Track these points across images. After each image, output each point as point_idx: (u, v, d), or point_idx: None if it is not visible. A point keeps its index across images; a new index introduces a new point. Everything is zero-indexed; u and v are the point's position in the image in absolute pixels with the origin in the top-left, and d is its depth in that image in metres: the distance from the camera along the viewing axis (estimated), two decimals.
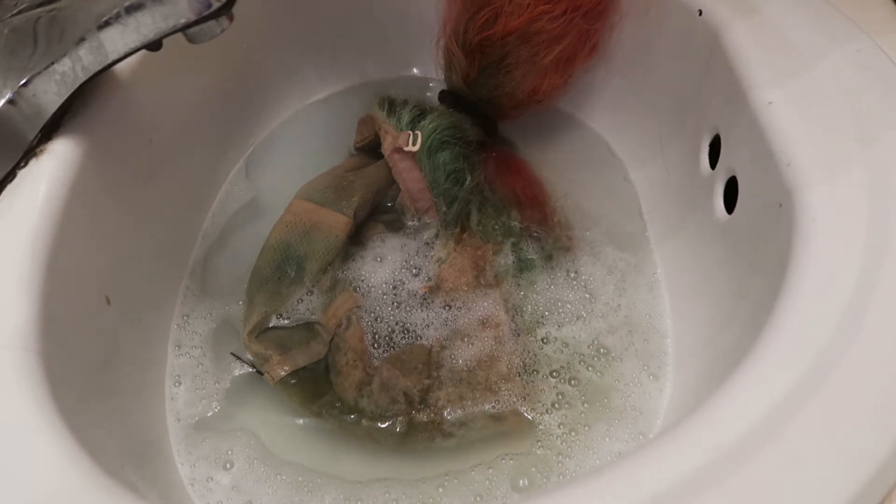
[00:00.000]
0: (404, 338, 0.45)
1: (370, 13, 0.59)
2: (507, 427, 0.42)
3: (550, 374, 0.44)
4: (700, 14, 0.44)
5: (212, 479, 0.40)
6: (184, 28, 0.33)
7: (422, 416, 0.42)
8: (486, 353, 0.44)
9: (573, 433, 0.41)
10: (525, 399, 0.43)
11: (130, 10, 0.32)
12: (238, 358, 0.45)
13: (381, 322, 0.45)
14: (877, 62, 0.38)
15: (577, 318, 0.46)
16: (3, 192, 0.34)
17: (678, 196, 0.49)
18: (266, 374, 0.43)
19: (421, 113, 0.50)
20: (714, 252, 0.43)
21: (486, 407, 0.42)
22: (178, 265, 0.49)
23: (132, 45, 0.34)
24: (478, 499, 0.39)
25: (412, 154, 0.48)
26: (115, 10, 0.33)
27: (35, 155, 0.35)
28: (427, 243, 0.50)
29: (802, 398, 0.27)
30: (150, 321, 0.44)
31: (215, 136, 0.54)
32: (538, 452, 0.41)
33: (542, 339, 0.45)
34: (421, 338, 0.45)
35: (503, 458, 0.40)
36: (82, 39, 0.33)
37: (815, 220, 0.31)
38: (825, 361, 0.27)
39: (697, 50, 0.45)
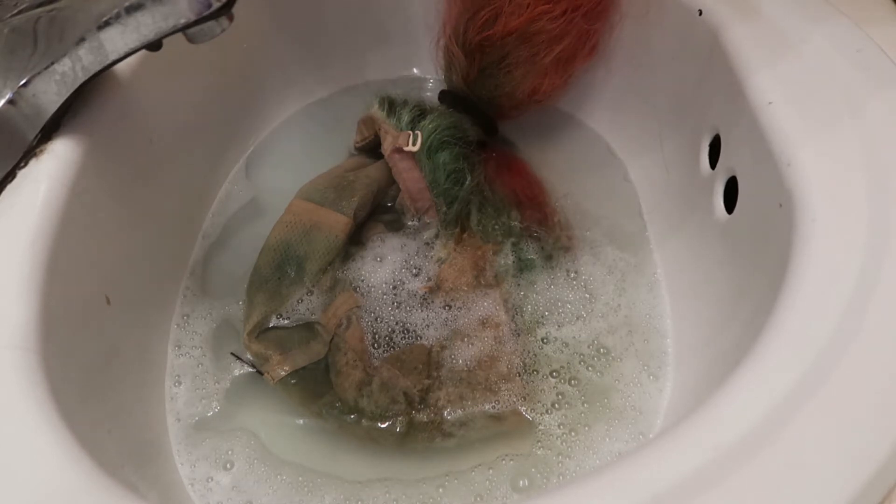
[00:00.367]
0: (404, 338, 0.45)
1: (370, 13, 0.59)
2: (507, 427, 0.42)
3: (550, 374, 0.44)
4: (700, 14, 0.44)
5: (212, 479, 0.40)
6: (184, 28, 0.33)
7: (422, 416, 0.42)
8: (486, 353, 0.44)
9: (573, 433, 0.41)
10: (525, 399, 0.42)
11: (130, 10, 0.32)
12: (238, 358, 0.45)
13: (381, 322, 0.45)
14: (877, 62, 0.38)
15: (577, 318, 0.46)
16: (3, 192, 0.34)
17: (678, 196, 0.49)
18: (266, 374, 0.43)
19: (421, 113, 0.50)
20: (714, 252, 0.43)
21: (486, 407, 0.42)
22: (178, 265, 0.49)
23: (132, 45, 0.34)
24: (478, 499, 0.39)
25: (412, 154, 0.48)
26: (115, 10, 0.33)
27: (35, 155, 0.35)
28: (427, 243, 0.50)
29: (802, 398, 0.27)
30: (150, 321, 0.44)
31: (215, 136, 0.54)
32: (538, 453, 0.41)
33: (542, 339, 0.45)
34: (421, 338, 0.45)
35: (503, 459, 0.40)
36: (82, 39, 0.33)
37: (815, 220, 0.31)
38: (825, 361, 0.27)
39: (697, 50, 0.45)
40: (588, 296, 0.47)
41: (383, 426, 0.42)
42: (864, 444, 0.26)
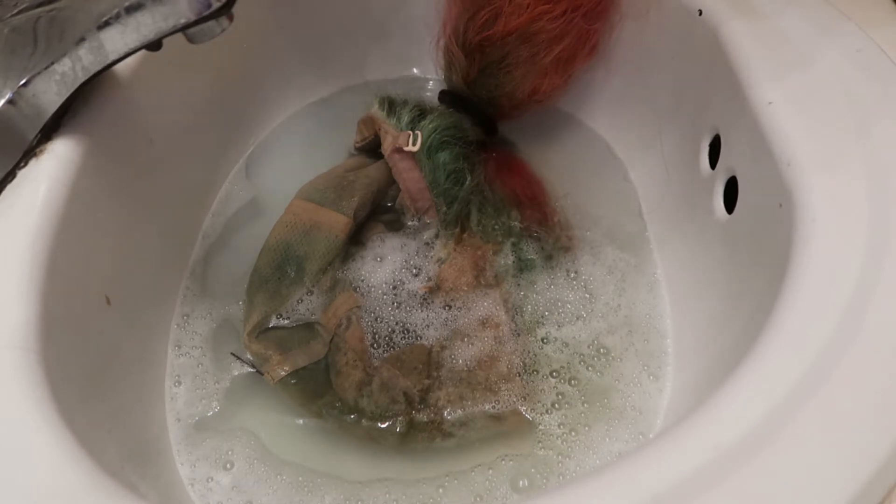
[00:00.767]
0: (404, 338, 0.45)
1: (370, 13, 0.59)
2: (507, 427, 0.42)
3: (550, 374, 0.44)
4: (700, 14, 0.44)
5: (212, 479, 0.40)
6: (184, 28, 0.33)
7: (422, 416, 0.42)
8: (486, 353, 0.44)
9: (573, 433, 0.41)
10: (525, 399, 0.42)
11: (130, 10, 0.32)
12: (238, 358, 0.45)
13: (381, 322, 0.45)
14: (877, 62, 0.38)
15: (577, 318, 0.46)
16: (3, 192, 0.34)
17: (678, 196, 0.49)
18: (266, 374, 0.43)
19: (421, 113, 0.50)
20: (714, 252, 0.43)
21: (486, 407, 0.42)
22: (178, 265, 0.49)
23: (132, 45, 0.34)
24: (478, 499, 0.39)
25: (412, 154, 0.48)
26: (115, 10, 0.33)
27: (35, 155, 0.35)
28: (427, 243, 0.50)
29: (802, 398, 0.27)
30: (150, 321, 0.44)
31: (215, 135, 0.54)
32: (538, 453, 0.41)
33: (542, 339, 0.45)
34: (421, 338, 0.45)
35: (503, 459, 0.40)
36: (82, 39, 0.33)
37: (815, 220, 0.31)
38: (825, 361, 0.27)
39: (697, 50, 0.45)
40: (588, 296, 0.47)
41: (383, 426, 0.42)
42: (864, 444, 0.26)
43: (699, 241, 0.45)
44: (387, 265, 0.48)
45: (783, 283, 0.30)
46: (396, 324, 0.45)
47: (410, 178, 0.49)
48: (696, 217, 0.46)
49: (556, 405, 0.42)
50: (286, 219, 0.48)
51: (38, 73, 0.34)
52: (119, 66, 0.36)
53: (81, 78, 0.35)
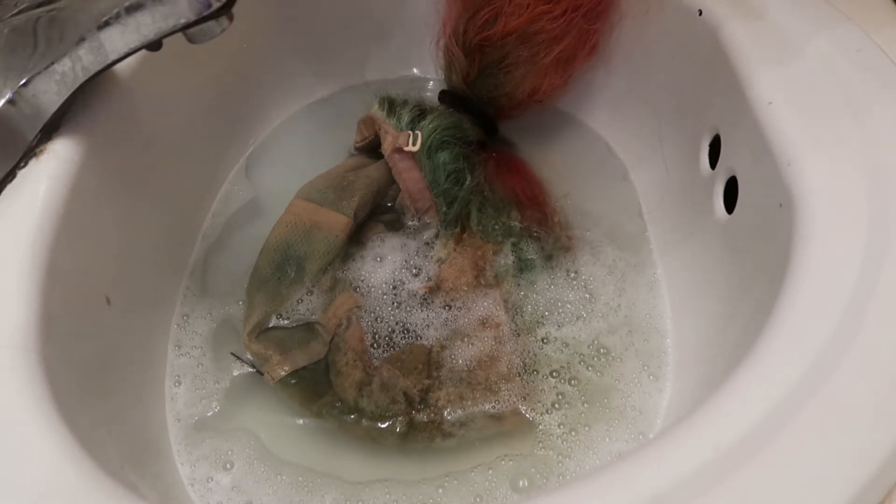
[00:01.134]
0: (404, 338, 0.45)
1: (370, 13, 0.59)
2: (507, 427, 0.42)
3: (550, 374, 0.44)
4: (700, 14, 0.44)
5: (212, 480, 0.40)
6: (184, 28, 0.33)
7: (422, 416, 0.42)
8: (486, 353, 0.44)
9: (573, 433, 0.41)
10: (525, 399, 0.42)
11: (130, 10, 0.32)
12: (238, 358, 0.45)
13: (381, 322, 0.45)
14: (877, 62, 0.38)
15: (577, 318, 0.46)
16: (3, 192, 0.34)
17: (678, 196, 0.49)
18: (266, 374, 0.43)
19: (421, 113, 0.50)
20: (714, 252, 0.43)
21: (486, 407, 0.42)
22: (178, 265, 0.49)
23: (132, 45, 0.34)
24: (478, 499, 0.39)
25: (412, 154, 0.48)
26: (115, 10, 0.33)
27: (35, 155, 0.35)
28: (427, 243, 0.50)
29: (802, 398, 0.27)
30: (150, 321, 0.44)
31: (215, 136, 0.54)
32: (538, 453, 0.41)
33: (542, 339, 0.45)
34: (421, 338, 0.45)
35: (503, 459, 0.40)
36: (82, 39, 0.33)
37: (815, 220, 0.31)
38: (825, 361, 0.27)
39: (697, 50, 0.45)
40: (588, 296, 0.47)
41: (383, 426, 0.42)
42: (864, 444, 0.26)
43: (699, 241, 0.45)
44: (387, 265, 0.48)
45: (783, 283, 0.30)
46: (396, 324, 0.45)
47: (410, 178, 0.49)
48: (696, 217, 0.46)
49: (556, 405, 0.42)
50: (286, 219, 0.48)
51: (38, 73, 0.34)
52: (119, 66, 0.36)
53: (81, 78, 0.35)
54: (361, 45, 0.61)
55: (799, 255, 0.31)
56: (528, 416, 0.42)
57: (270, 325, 0.45)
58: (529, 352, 0.45)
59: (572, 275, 0.48)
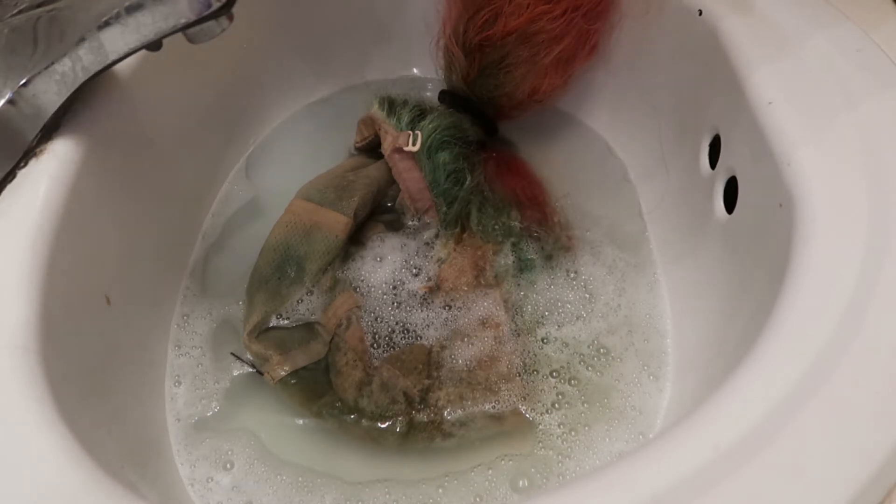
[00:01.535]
0: (404, 338, 0.45)
1: (370, 13, 0.59)
2: (507, 427, 0.42)
3: (550, 374, 0.44)
4: (700, 14, 0.44)
5: (212, 480, 0.40)
6: (184, 28, 0.33)
7: (422, 416, 0.42)
8: (486, 353, 0.44)
9: (573, 433, 0.41)
10: (525, 399, 0.43)
11: (130, 10, 0.32)
12: (238, 358, 0.45)
13: (381, 322, 0.45)
14: (877, 62, 0.38)
15: (577, 318, 0.46)
16: (3, 192, 0.34)
17: (678, 196, 0.49)
18: (266, 374, 0.43)
19: (421, 113, 0.50)
20: (714, 252, 0.43)
21: (486, 407, 0.42)
22: (178, 265, 0.49)
23: (132, 45, 0.34)
24: (478, 499, 0.39)
25: (412, 154, 0.48)
26: (115, 10, 0.33)
27: (35, 155, 0.35)
28: (427, 243, 0.50)
29: (802, 398, 0.27)
30: (150, 321, 0.44)
31: (215, 135, 0.54)
32: (538, 452, 0.41)
33: (542, 339, 0.45)
34: (421, 338, 0.45)
35: (503, 459, 0.40)
36: (82, 39, 0.33)
37: (815, 219, 0.31)
38: (825, 361, 0.27)
39: (697, 50, 0.45)
40: (588, 296, 0.47)
41: (383, 426, 0.42)
42: (864, 444, 0.26)
43: (699, 240, 0.45)
44: (387, 265, 0.48)
45: (783, 283, 0.30)
46: (396, 324, 0.45)
47: (410, 178, 0.49)
48: (696, 217, 0.46)
49: (556, 405, 0.42)
50: (286, 219, 0.48)
51: (38, 73, 0.34)
52: (119, 66, 0.36)
53: (81, 78, 0.35)
54: (361, 45, 0.61)
55: (799, 255, 0.31)
56: (528, 416, 0.42)
57: (270, 325, 0.45)
58: (529, 352, 0.45)
59: (572, 275, 0.48)
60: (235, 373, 0.45)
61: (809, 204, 0.32)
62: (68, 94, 0.35)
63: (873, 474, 0.25)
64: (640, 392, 0.43)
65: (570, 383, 0.43)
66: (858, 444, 0.26)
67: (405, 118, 0.49)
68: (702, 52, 0.44)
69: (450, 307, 0.46)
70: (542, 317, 0.46)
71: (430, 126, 0.48)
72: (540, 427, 0.42)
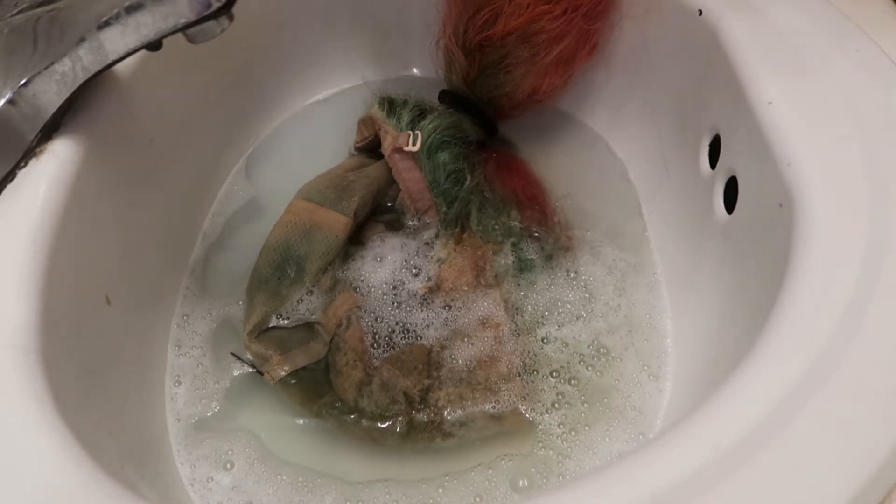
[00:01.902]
0: (404, 338, 0.45)
1: (370, 13, 0.59)
2: (507, 427, 0.42)
3: (550, 374, 0.44)
4: (700, 14, 0.44)
5: (212, 480, 0.40)
6: (184, 28, 0.33)
7: (422, 416, 0.42)
8: (486, 353, 0.44)
9: (573, 433, 0.41)
10: (525, 399, 0.43)
11: (130, 10, 0.32)
12: (238, 358, 0.45)
13: (381, 322, 0.45)
14: (877, 62, 0.38)
15: (577, 318, 0.46)
16: (3, 192, 0.34)
17: (678, 196, 0.49)
18: (266, 374, 0.43)
19: (421, 113, 0.50)
20: (714, 252, 0.43)
21: (486, 407, 0.42)
22: (178, 265, 0.49)
23: (132, 45, 0.34)
24: (478, 499, 0.39)
25: (412, 154, 0.48)
26: (115, 10, 0.33)
27: (35, 155, 0.35)
28: (427, 243, 0.50)
29: (802, 398, 0.27)
30: (150, 321, 0.44)
31: (215, 136, 0.54)
32: (538, 452, 0.41)
33: (542, 339, 0.45)
34: (421, 338, 0.45)
35: (503, 459, 0.40)
36: (82, 39, 0.33)
37: (815, 219, 0.31)
38: (825, 361, 0.27)
39: (697, 50, 0.45)
40: (588, 296, 0.47)
41: (383, 426, 0.42)
42: (864, 444, 0.26)
43: (699, 240, 0.45)
44: (387, 265, 0.48)
45: (783, 283, 0.30)
46: (396, 324, 0.45)
47: (410, 178, 0.49)
48: (696, 217, 0.46)
49: (556, 405, 0.42)
50: (286, 219, 0.48)
51: (38, 73, 0.34)
52: (119, 66, 0.36)
53: (81, 78, 0.35)
54: (361, 45, 0.61)
55: (799, 255, 0.31)
56: (528, 416, 0.42)
57: (270, 325, 0.45)
58: (529, 352, 0.45)
59: (572, 275, 0.48)
60: (235, 373, 0.45)
61: (809, 204, 0.32)
62: (68, 94, 0.35)
63: (873, 474, 0.25)
64: (640, 392, 0.43)
65: (570, 383, 0.43)
66: (858, 444, 0.26)
67: (405, 118, 0.49)
68: (702, 52, 0.44)
69: (450, 307, 0.46)
70: (542, 317, 0.46)
71: (430, 126, 0.48)
72: (540, 427, 0.42)
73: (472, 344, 0.44)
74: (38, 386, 0.29)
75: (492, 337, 0.45)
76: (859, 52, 0.38)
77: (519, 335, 0.45)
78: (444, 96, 0.54)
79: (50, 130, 0.36)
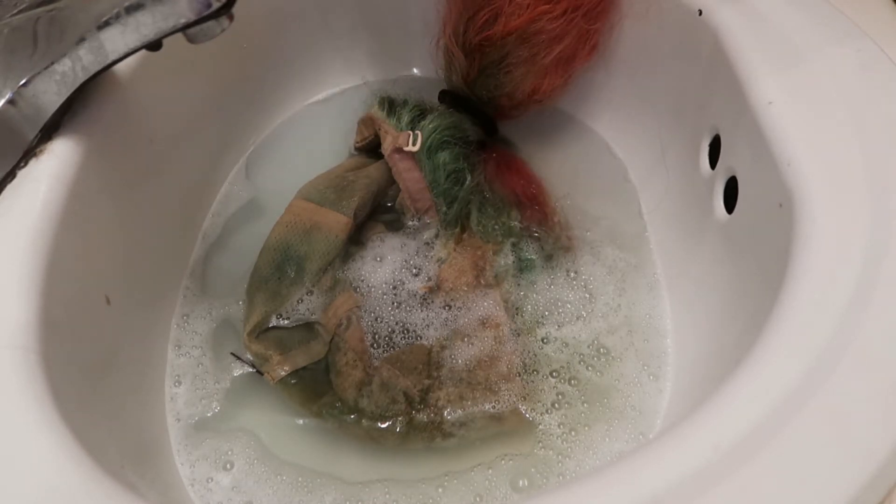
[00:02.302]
0: (404, 338, 0.45)
1: (370, 13, 0.59)
2: (507, 427, 0.42)
3: (550, 374, 0.44)
4: (700, 14, 0.44)
5: (212, 480, 0.40)
6: (184, 28, 0.33)
7: (422, 416, 0.42)
8: (486, 353, 0.44)
9: (573, 433, 0.41)
10: (525, 399, 0.43)
11: (130, 10, 0.32)
12: (238, 358, 0.45)
13: (381, 322, 0.45)
14: (877, 62, 0.38)
15: (577, 318, 0.46)
16: (3, 192, 0.34)
17: (678, 196, 0.49)
18: (266, 374, 0.43)
19: (421, 113, 0.50)
20: (714, 252, 0.43)
21: (486, 407, 0.42)
22: (178, 265, 0.49)
23: (132, 45, 0.34)
24: (478, 499, 0.39)
25: (412, 154, 0.48)
26: (115, 10, 0.33)
27: (35, 155, 0.35)
28: (427, 243, 0.50)
29: (802, 398, 0.27)
30: (150, 321, 0.44)
31: (215, 136, 0.54)
32: (538, 452, 0.41)
33: (542, 339, 0.45)
34: (421, 338, 0.45)
35: (503, 459, 0.40)
36: (82, 39, 0.33)
37: (815, 220, 0.31)
38: (825, 361, 0.27)
39: (697, 50, 0.45)
40: (588, 296, 0.47)
41: (383, 426, 0.42)
42: (865, 444, 0.26)
43: (699, 241, 0.45)
44: (387, 265, 0.48)
45: (783, 283, 0.30)
46: (396, 324, 0.45)
47: (410, 178, 0.49)
48: (696, 217, 0.46)
49: (556, 405, 0.42)
50: (286, 219, 0.48)
51: (38, 73, 0.34)
52: (119, 66, 0.36)
53: (81, 78, 0.35)
54: (361, 45, 0.61)
55: (799, 255, 0.31)
56: (528, 416, 0.42)
57: (270, 325, 0.45)
58: (529, 352, 0.45)
59: (572, 275, 0.48)
60: (235, 373, 0.45)
61: (809, 204, 0.32)
62: (68, 94, 0.35)
63: (873, 474, 0.25)
64: (640, 392, 0.43)
65: (570, 383, 0.43)
66: (858, 444, 0.26)
67: (405, 118, 0.49)
68: (702, 52, 0.44)
69: (450, 307, 0.46)
70: (542, 317, 0.46)
71: (430, 126, 0.48)
72: (540, 427, 0.42)
73: (472, 344, 0.44)
74: (38, 386, 0.29)
75: (492, 337, 0.45)
76: (859, 52, 0.38)
77: (519, 335, 0.45)
78: (444, 96, 0.54)
79: (50, 130, 0.36)
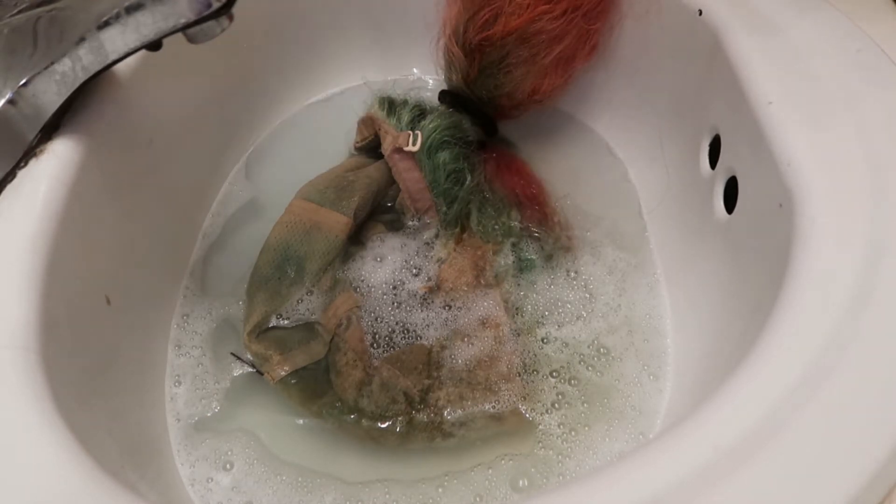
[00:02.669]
0: (404, 338, 0.45)
1: (370, 13, 0.59)
2: (507, 427, 0.42)
3: (550, 374, 0.44)
4: (700, 14, 0.44)
5: (212, 480, 0.40)
6: (184, 28, 0.33)
7: (422, 416, 0.42)
8: (486, 353, 0.44)
9: (573, 433, 0.41)
10: (525, 399, 0.43)
11: (130, 10, 0.32)
12: (238, 358, 0.45)
13: (381, 322, 0.45)
14: (877, 62, 0.38)
15: (577, 318, 0.46)
16: (3, 192, 0.34)
17: (678, 196, 0.49)
18: (266, 374, 0.43)
19: (421, 113, 0.50)
20: (714, 252, 0.43)
21: (486, 407, 0.42)
22: (178, 265, 0.49)
23: (132, 45, 0.34)
24: (478, 499, 0.39)
25: (412, 154, 0.48)
26: (115, 10, 0.33)
27: (35, 155, 0.35)
28: (427, 243, 0.50)
29: (802, 398, 0.27)
30: (150, 321, 0.44)
31: (215, 136, 0.54)
32: (538, 452, 0.41)
33: (542, 339, 0.45)
34: (421, 338, 0.45)
35: (503, 459, 0.40)
36: (82, 39, 0.33)
37: (815, 220, 0.31)
38: (825, 361, 0.27)
39: (697, 50, 0.45)
40: (588, 296, 0.47)
41: (383, 426, 0.42)
42: (864, 444, 0.26)
43: (699, 241, 0.45)
44: (387, 265, 0.48)
45: (783, 283, 0.30)
46: (396, 324, 0.45)
47: (410, 178, 0.49)
48: (696, 217, 0.46)
49: (556, 405, 0.42)
50: (286, 219, 0.48)
51: (38, 73, 0.34)
52: (119, 66, 0.36)
53: (81, 78, 0.35)
54: (361, 45, 0.61)
55: (799, 255, 0.31)
56: (528, 416, 0.42)
57: (270, 324, 0.45)
58: (529, 352, 0.45)
59: (572, 275, 0.48)
60: (235, 373, 0.45)
61: (809, 204, 0.32)
62: (68, 94, 0.35)
63: (873, 474, 0.25)
64: (640, 392, 0.43)
65: (570, 383, 0.43)
66: (858, 444, 0.26)
67: (405, 118, 0.49)
68: (702, 52, 0.44)
69: (450, 307, 0.46)
70: (542, 317, 0.46)
71: (430, 126, 0.48)
72: (540, 427, 0.42)
73: (472, 344, 0.44)
74: (38, 386, 0.29)
75: (492, 337, 0.45)
76: (859, 52, 0.38)
77: (519, 335, 0.45)
78: (444, 96, 0.54)
79: (50, 130, 0.36)
